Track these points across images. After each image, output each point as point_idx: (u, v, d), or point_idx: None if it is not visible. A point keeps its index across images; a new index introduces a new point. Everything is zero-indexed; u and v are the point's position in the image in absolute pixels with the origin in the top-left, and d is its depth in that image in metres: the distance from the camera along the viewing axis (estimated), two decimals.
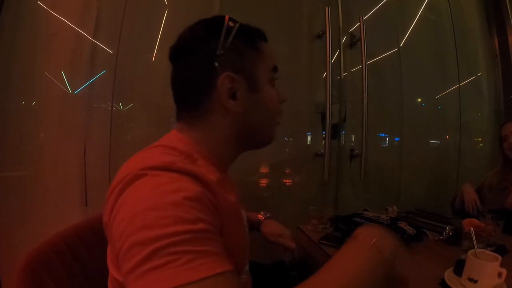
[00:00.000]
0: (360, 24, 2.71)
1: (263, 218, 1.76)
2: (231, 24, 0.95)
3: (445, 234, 1.88)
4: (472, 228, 1.47)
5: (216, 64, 0.92)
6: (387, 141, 3.16)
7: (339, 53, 2.85)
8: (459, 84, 3.30)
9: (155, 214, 0.68)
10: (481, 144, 3.54)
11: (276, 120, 1.06)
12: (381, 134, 3.12)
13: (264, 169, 2.68)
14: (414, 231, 1.87)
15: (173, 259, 0.62)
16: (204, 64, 0.94)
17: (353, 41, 2.87)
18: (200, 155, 0.91)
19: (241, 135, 1.00)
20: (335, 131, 2.79)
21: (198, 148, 0.93)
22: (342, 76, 2.85)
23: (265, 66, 1.00)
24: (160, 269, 0.61)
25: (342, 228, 1.97)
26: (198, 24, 1.00)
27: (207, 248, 0.66)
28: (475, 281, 1.24)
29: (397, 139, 3.13)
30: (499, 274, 1.24)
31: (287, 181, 2.79)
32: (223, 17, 0.96)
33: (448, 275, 1.34)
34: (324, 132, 2.65)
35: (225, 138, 0.98)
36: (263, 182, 2.68)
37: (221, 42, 0.92)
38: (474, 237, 1.41)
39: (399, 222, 1.93)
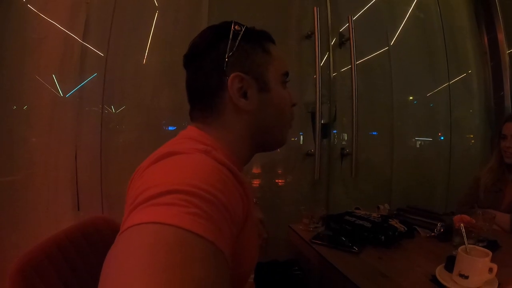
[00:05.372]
0: (349, 24, 2.72)
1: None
2: (237, 27, 0.98)
3: (436, 230, 1.90)
4: (462, 225, 1.48)
5: (225, 66, 0.94)
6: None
7: (329, 53, 2.85)
8: (449, 82, 3.31)
9: (183, 172, 0.68)
10: (472, 141, 3.56)
11: (287, 121, 1.08)
12: (373, 133, 3.13)
13: (255, 170, 2.68)
14: (405, 229, 1.89)
15: (182, 204, 0.58)
16: (214, 67, 0.96)
17: (342, 41, 2.88)
18: (221, 152, 0.91)
19: (255, 135, 1.01)
20: (326, 130, 2.80)
21: (218, 145, 0.94)
22: (332, 76, 2.86)
23: (274, 67, 1.02)
24: (165, 206, 0.57)
25: (334, 227, 1.98)
26: (207, 31, 1.03)
27: (218, 222, 0.62)
28: (466, 277, 1.25)
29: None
30: (490, 270, 1.25)
31: (279, 181, 2.79)
32: (230, 22, 0.99)
33: (439, 271, 1.35)
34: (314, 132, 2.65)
35: (240, 137, 1.00)
36: (255, 182, 2.68)
37: (229, 45, 0.95)
38: (464, 233, 1.42)
39: (390, 220, 1.94)
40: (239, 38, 0.97)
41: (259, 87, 0.98)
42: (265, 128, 1.02)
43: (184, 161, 0.75)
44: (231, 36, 0.96)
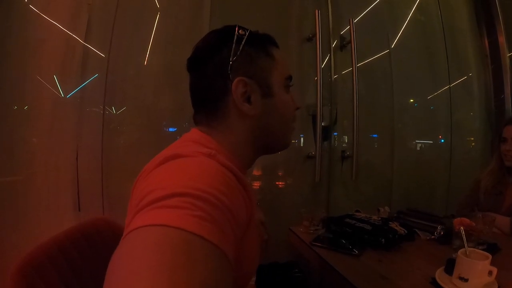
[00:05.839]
0: (350, 27, 2.72)
1: None
2: (241, 32, 0.99)
3: (436, 233, 1.90)
4: (462, 228, 1.48)
5: (229, 70, 0.95)
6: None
7: (330, 55, 2.86)
8: (450, 84, 3.32)
9: (188, 175, 0.69)
10: (473, 144, 3.56)
11: (290, 125, 1.09)
12: (374, 135, 3.13)
13: (256, 172, 2.68)
14: (406, 231, 1.89)
15: (187, 206, 0.59)
16: (218, 71, 0.96)
17: (343, 44, 2.88)
18: (225, 155, 0.91)
19: (258, 138, 1.02)
20: (327, 133, 2.80)
21: (221, 149, 0.95)
22: (333, 78, 2.87)
23: (278, 72, 1.03)
24: (171, 209, 0.59)
25: (334, 229, 1.98)
26: (210, 35, 1.04)
27: (222, 225, 0.63)
28: (466, 280, 1.26)
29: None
30: (490, 272, 1.25)
31: (279, 183, 2.79)
32: (234, 26, 1.00)
33: (439, 274, 1.36)
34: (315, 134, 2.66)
35: (244, 140, 1.01)
36: (256, 184, 2.69)
37: (233, 49, 0.96)
38: (464, 236, 1.42)
39: (390, 223, 1.94)
40: (243, 42, 0.97)
41: (263, 92, 0.99)
42: (268, 132, 1.03)
43: (189, 164, 0.75)
44: (235, 40, 0.97)
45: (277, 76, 1.03)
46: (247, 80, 0.95)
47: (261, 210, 1.72)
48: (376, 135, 3.15)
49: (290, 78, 1.08)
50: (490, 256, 1.28)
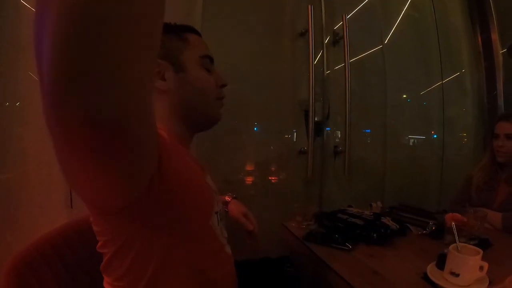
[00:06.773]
0: (343, 22, 2.72)
1: (230, 198, 1.84)
2: None
3: (428, 228, 1.91)
4: (453, 223, 1.49)
5: None
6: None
7: (322, 51, 2.85)
8: (443, 80, 3.33)
9: None
10: (465, 139, 3.57)
11: (211, 100, 1.22)
12: (367, 130, 3.14)
13: (249, 167, 2.68)
14: (398, 226, 1.90)
15: None
16: None
17: (336, 39, 2.88)
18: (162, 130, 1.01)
19: (179, 113, 1.16)
20: (319, 128, 2.80)
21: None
22: (325, 74, 2.86)
23: (190, 52, 1.17)
24: None
25: (326, 225, 1.99)
26: None
27: None
28: (457, 275, 1.26)
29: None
30: (481, 267, 1.26)
31: (272, 178, 2.79)
32: None
33: (431, 269, 1.36)
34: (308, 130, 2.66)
35: (167, 115, 1.14)
36: (248, 180, 2.69)
37: None
38: (455, 232, 1.43)
39: (382, 218, 1.95)
40: None
41: (175, 68, 1.13)
42: (188, 106, 1.17)
43: None
44: None
45: (189, 55, 1.16)
46: (159, 60, 1.10)
47: (242, 203, 1.76)
48: (368, 131, 3.16)
49: (206, 57, 1.21)
50: (481, 251, 1.28)
